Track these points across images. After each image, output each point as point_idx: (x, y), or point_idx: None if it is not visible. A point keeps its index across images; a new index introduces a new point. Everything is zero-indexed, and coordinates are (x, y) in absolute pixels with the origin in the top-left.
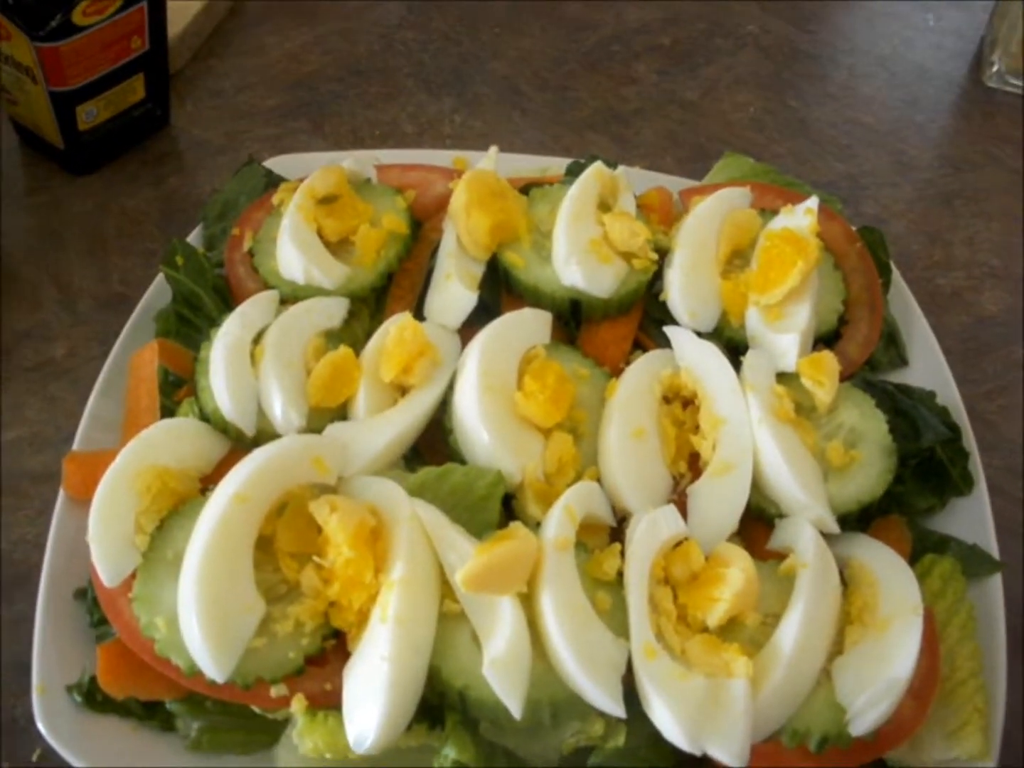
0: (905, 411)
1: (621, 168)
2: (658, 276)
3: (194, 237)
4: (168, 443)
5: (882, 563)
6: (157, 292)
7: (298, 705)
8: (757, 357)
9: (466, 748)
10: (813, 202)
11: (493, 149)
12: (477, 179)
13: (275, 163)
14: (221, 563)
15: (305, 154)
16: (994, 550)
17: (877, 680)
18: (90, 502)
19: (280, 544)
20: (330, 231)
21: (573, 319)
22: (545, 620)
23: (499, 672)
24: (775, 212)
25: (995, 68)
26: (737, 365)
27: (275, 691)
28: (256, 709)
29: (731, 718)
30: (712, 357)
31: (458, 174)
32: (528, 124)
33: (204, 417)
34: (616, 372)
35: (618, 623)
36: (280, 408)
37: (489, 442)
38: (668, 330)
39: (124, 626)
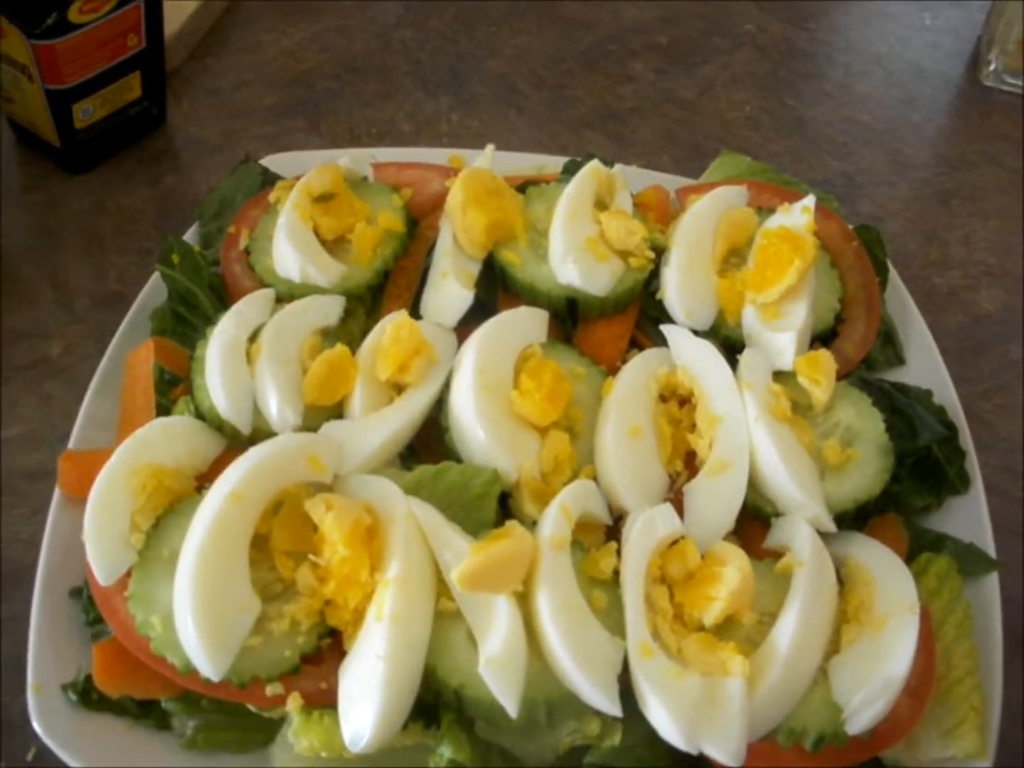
0: (902, 410)
1: (618, 166)
2: (655, 274)
3: (190, 235)
4: (164, 441)
5: (878, 562)
6: (153, 290)
7: (294, 704)
8: (754, 356)
9: (462, 747)
10: (810, 200)
11: (490, 147)
12: (473, 177)
13: (271, 161)
14: (217, 561)
15: (302, 152)
16: (990, 549)
17: (873, 679)
18: (86, 500)
19: (276, 542)
20: (326, 229)
21: (569, 317)
22: (541, 619)
23: (495, 671)
24: (772, 211)
25: (992, 67)
26: (734, 364)
27: (271, 690)
28: (252, 708)
29: (727, 717)
30: (709, 356)
31: (454, 172)
32: (525, 122)
33: (200, 415)
34: (612, 370)
35: (614, 622)
36: (276, 406)
37: (485, 440)
38: (665, 328)
39: (119, 625)
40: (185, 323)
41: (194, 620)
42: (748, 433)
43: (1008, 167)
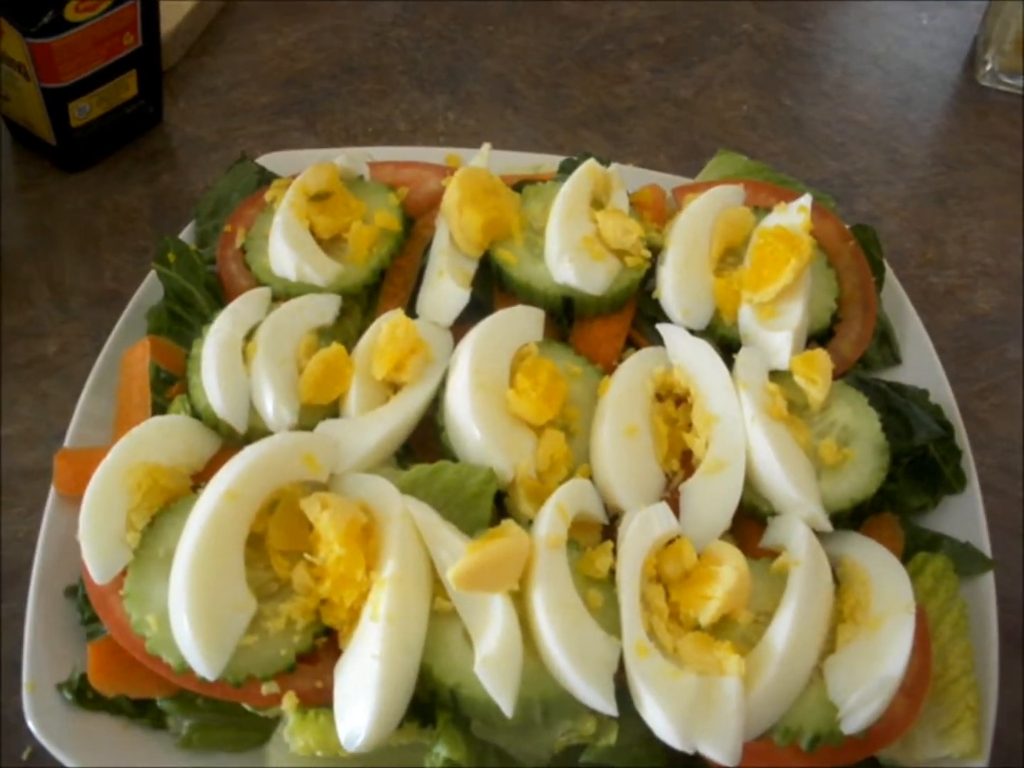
0: (898, 409)
1: (614, 166)
2: (651, 274)
3: (186, 234)
4: (159, 440)
5: (874, 561)
6: (149, 289)
7: (289, 703)
8: (750, 355)
9: (457, 746)
10: (806, 200)
11: (486, 146)
12: (470, 176)
13: (268, 160)
14: (212, 561)
15: (298, 151)
16: (986, 548)
17: (869, 678)
18: (81, 499)
19: (271, 542)
20: (322, 228)
21: (566, 316)
22: (537, 618)
23: (490, 670)
24: (768, 210)
25: (988, 67)
26: (730, 363)
27: (266, 689)
28: (247, 707)
29: (723, 716)
30: (705, 355)
31: (451, 171)
32: (521, 121)
33: (196, 414)
34: (609, 370)
35: (610, 621)
36: (272, 405)
37: (481, 439)
38: (661, 328)
39: (115, 624)
40: (181, 322)
41: (190, 619)
42: (744, 432)
43: (1005, 167)
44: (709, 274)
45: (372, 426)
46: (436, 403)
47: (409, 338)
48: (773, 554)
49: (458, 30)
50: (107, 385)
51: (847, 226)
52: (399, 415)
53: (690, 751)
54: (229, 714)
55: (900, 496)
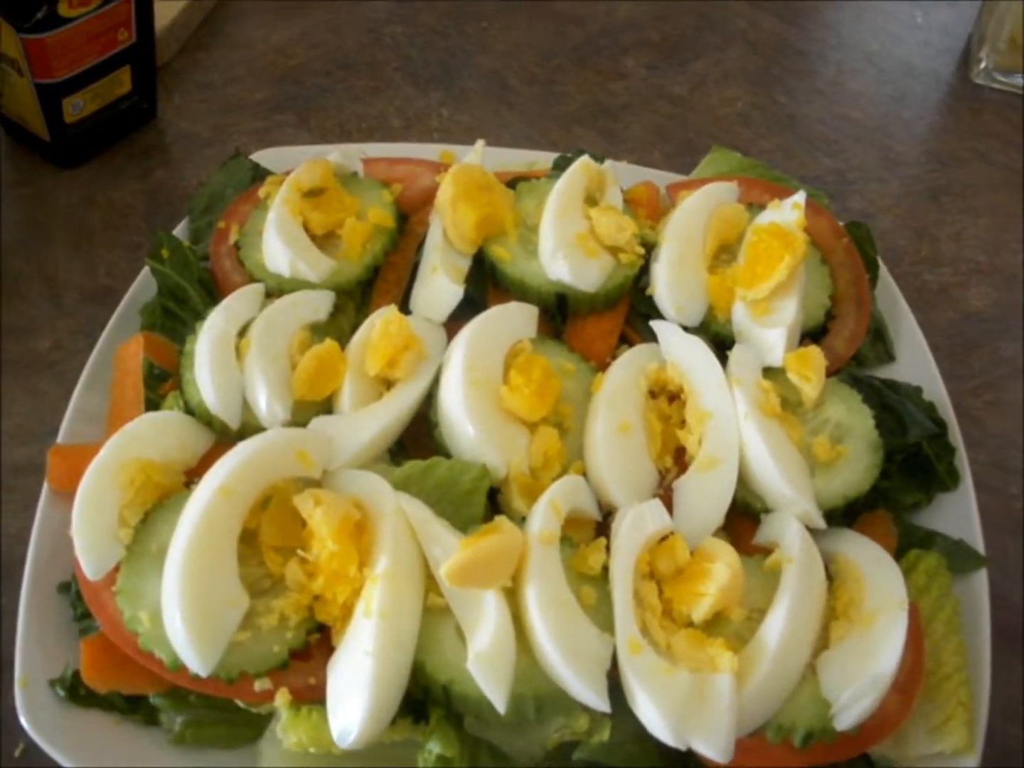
0: (892, 406)
1: (608, 162)
2: (645, 270)
3: (180, 230)
4: (152, 436)
5: (868, 558)
6: (143, 285)
7: (282, 699)
8: (743, 352)
9: (450, 743)
10: (800, 197)
11: (480, 143)
12: (463, 173)
13: (262, 156)
14: (205, 557)
15: (292, 147)
16: (980, 545)
17: (862, 675)
18: (74, 495)
19: (264, 538)
20: (316, 224)
21: (559, 313)
22: (530, 615)
23: (483, 667)
24: (762, 207)
25: (983, 65)
26: (723, 360)
27: (259, 685)
28: (240, 703)
29: (716, 713)
30: (698, 352)
31: (445, 168)
32: (516, 118)
33: (189, 410)
34: (602, 366)
35: (603, 618)
36: (265, 401)
37: (474, 436)
38: (654, 324)
39: (108, 620)
40: (175, 318)
41: (182, 615)
42: (738, 429)
43: (999, 164)
44: (703, 271)
45: (365, 422)
46: (429, 399)
47: (402, 334)
48: (766, 551)
49: (452, 26)
50: (100, 381)
51: (841, 223)
52: (392, 411)
53: (683, 748)
54: (222, 710)
55: (893, 493)
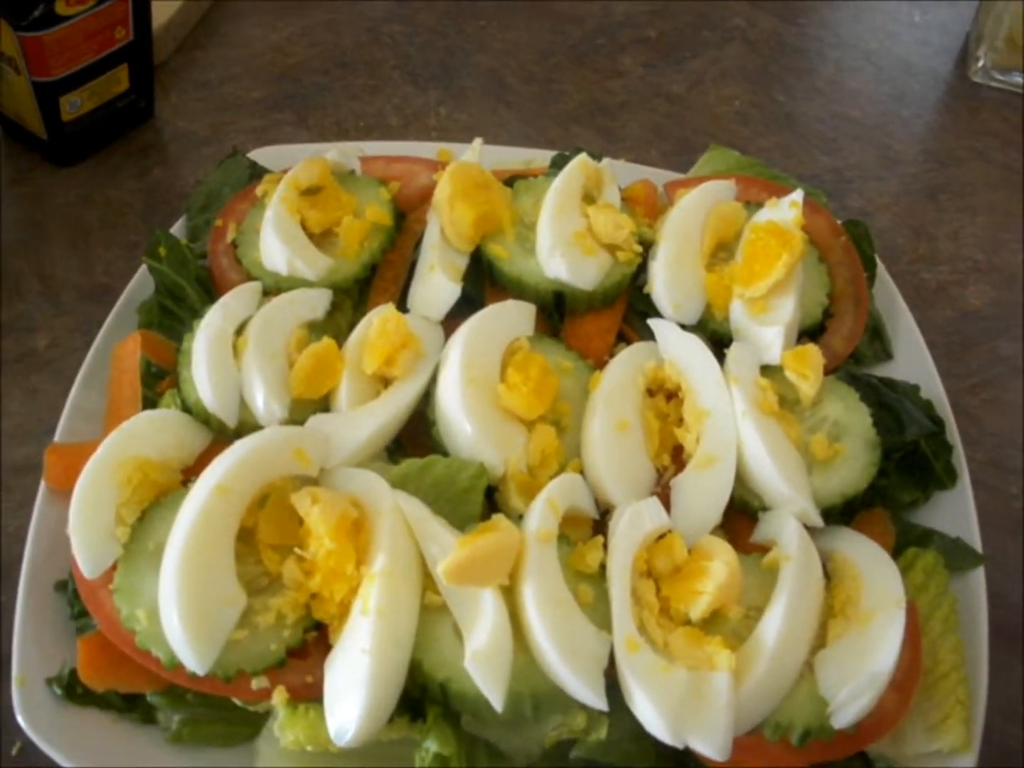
0: (889, 405)
1: (606, 161)
2: (642, 268)
3: (177, 228)
4: (150, 434)
5: (865, 556)
6: (140, 283)
7: (279, 698)
8: (741, 350)
9: (448, 741)
10: (798, 195)
11: (477, 141)
12: (461, 171)
13: (259, 155)
14: (202, 555)
15: (289, 145)
16: (977, 544)
17: (860, 673)
18: (72, 494)
19: (262, 536)
20: (313, 223)
21: (557, 311)
22: (527, 613)
23: (481, 665)
24: (760, 205)
25: (980, 63)
26: (721, 358)
27: (256, 683)
28: (237, 701)
29: (714, 711)
30: (696, 350)
31: (442, 166)
32: (513, 117)
33: (186, 408)
34: (600, 364)
35: (600, 616)
36: (262, 400)
37: (472, 434)
38: (652, 323)
39: (105, 618)
40: (172, 316)
41: (179, 613)
42: (735, 427)
43: (997, 163)
44: (700, 269)
45: (363, 421)
46: (427, 398)
47: (400, 332)
48: (764, 549)
49: (450, 25)
50: (98, 379)
51: (839, 221)
52: (390, 410)
53: (680, 746)
54: (219, 709)
55: (891, 491)
